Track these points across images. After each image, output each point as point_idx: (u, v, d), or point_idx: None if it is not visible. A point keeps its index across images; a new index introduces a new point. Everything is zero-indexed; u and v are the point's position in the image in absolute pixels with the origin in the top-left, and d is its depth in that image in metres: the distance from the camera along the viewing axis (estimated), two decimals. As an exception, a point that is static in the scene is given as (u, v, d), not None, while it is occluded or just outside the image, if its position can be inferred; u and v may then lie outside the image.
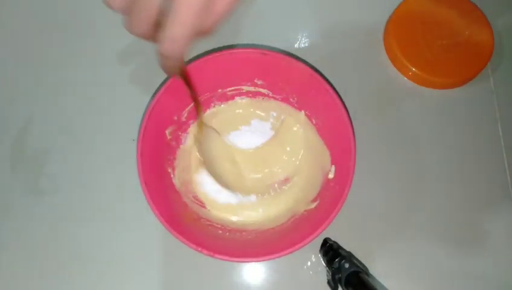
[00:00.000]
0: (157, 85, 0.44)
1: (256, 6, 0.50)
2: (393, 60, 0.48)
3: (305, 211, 0.40)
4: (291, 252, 0.34)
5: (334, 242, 0.39)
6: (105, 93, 0.47)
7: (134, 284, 0.41)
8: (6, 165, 0.45)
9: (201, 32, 0.27)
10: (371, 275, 0.38)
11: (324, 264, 0.39)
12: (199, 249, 0.34)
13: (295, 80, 0.41)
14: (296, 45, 0.49)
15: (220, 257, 0.34)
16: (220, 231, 0.40)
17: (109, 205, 0.43)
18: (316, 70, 0.39)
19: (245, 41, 0.48)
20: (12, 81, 0.48)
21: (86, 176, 0.44)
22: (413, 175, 0.44)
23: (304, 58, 0.48)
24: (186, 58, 0.30)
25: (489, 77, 0.48)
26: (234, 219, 0.42)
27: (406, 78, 0.48)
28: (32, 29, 0.50)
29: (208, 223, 0.40)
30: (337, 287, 0.36)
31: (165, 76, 0.45)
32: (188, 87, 0.35)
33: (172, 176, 0.41)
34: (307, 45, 0.49)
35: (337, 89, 0.47)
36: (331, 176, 0.39)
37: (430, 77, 0.46)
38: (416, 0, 0.49)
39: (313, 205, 0.39)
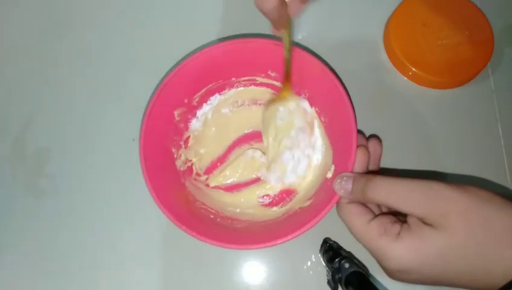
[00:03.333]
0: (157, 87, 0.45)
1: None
2: (393, 60, 0.48)
3: (299, 208, 0.40)
4: (275, 245, 0.33)
5: (334, 242, 0.39)
6: (105, 94, 0.47)
7: (135, 285, 0.41)
8: (6, 165, 0.45)
9: None
10: (371, 275, 0.38)
11: (324, 264, 0.39)
12: (183, 227, 0.34)
13: (307, 74, 0.40)
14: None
15: (203, 239, 0.34)
16: (212, 216, 0.40)
17: (109, 205, 0.43)
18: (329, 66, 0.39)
19: (245, 32, 0.48)
20: (12, 81, 0.48)
21: (86, 176, 0.44)
22: (413, 175, 0.44)
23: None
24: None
25: (489, 77, 0.48)
26: (231, 208, 0.42)
27: (406, 78, 0.48)
28: (32, 29, 0.50)
29: (203, 207, 0.40)
30: (337, 287, 0.36)
31: (166, 74, 0.45)
32: (287, 42, 0.36)
33: (175, 156, 0.42)
34: (305, 45, 0.49)
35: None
36: (329, 175, 0.39)
37: (430, 77, 0.46)
38: (416, 0, 0.49)
39: (307, 203, 0.39)
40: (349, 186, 0.33)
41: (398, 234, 0.30)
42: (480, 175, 0.44)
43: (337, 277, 0.35)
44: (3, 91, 0.48)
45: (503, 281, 0.27)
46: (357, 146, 0.36)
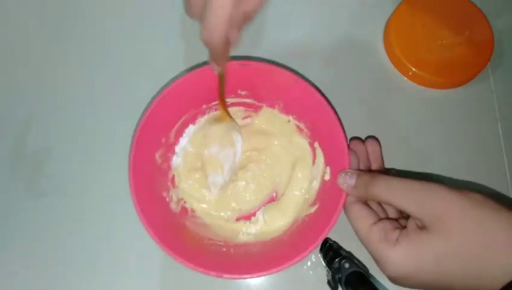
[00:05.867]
0: (162, 81, 0.45)
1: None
2: (393, 60, 0.48)
3: (306, 215, 0.40)
4: (300, 260, 0.34)
5: (334, 242, 0.39)
6: (105, 94, 0.47)
7: (135, 282, 0.41)
8: (6, 165, 0.45)
9: (239, 20, 0.30)
10: (371, 275, 0.38)
11: (324, 264, 0.39)
12: (206, 271, 0.33)
13: (278, 86, 0.40)
14: (295, 46, 0.49)
15: (229, 276, 0.33)
16: (224, 249, 0.39)
17: (110, 204, 0.43)
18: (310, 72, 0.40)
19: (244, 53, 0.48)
20: (12, 81, 0.48)
21: (86, 176, 0.44)
22: (413, 175, 0.44)
23: (303, 58, 0.48)
24: (231, 50, 0.33)
25: (489, 77, 0.48)
26: (237, 234, 0.41)
27: (406, 78, 0.48)
28: (33, 28, 0.50)
29: (211, 242, 0.39)
30: (337, 287, 0.36)
31: (164, 77, 0.45)
32: (220, 83, 0.37)
33: (167, 200, 0.41)
34: (306, 45, 0.49)
35: (337, 89, 0.47)
36: (327, 177, 0.39)
37: (430, 77, 0.46)
38: (416, 0, 0.49)
39: (313, 209, 0.39)
40: (352, 181, 0.34)
41: (397, 240, 0.31)
42: (480, 175, 0.44)
43: (337, 277, 0.35)
44: (3, 91, 0.48)
45: (496, 286, 0.28)
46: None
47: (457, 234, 0.28)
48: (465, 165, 0.45)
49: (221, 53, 0.32)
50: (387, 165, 0.43)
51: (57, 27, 0.50)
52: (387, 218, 0.35)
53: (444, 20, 0.48)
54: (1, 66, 0.49)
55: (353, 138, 0.42)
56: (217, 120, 0.43)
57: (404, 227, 0.32)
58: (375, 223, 0.33)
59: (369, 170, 0.40)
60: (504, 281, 0.27)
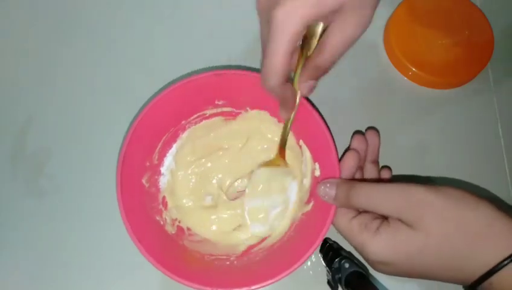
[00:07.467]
0: (163, 80, 0.44)
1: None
2: (393, 60, 0.48)
3: (302, 214, 0.39)
4: (305, 260, 0.34)
5: (334, 242, 0.39)
6: (106, 93, 0.47)
7: (137, 284, 0.41)
8: (6, 165, 0.45)
9: (311, 70, 0.32)
10: (371, 275, 0.38)
11: (324, 264, 0.39)
12: (214, 289, 0.33)
13: (255, 91, 0.39)
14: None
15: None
16: (228, 262, 0.38)
17: (110, 204, 0.43)
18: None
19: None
20: (12, 81, 0.48)
21: (86, 175, 0.44)
22: (413, 175, 0.44)
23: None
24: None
25: (489, 77, 0.48)
26: (238, 244, 0.41)
27: (406, 78, 0.48)
28: (33, 29, 0.50)
29: (213, 257, 0.39)
30: (337, 287, 0.36)
31: (166, 75, 0.45)
32: (284, 129, 0.38)
33: (162, 223, 0.40)
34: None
35: (337, 89, 0.47)
36: (317, 173, 0.39)
37: (430, 77, 0.46)
38: (416, 0, 0.49)
39: (309, 207, 0.39)
40: (332, 192, 0.35)
41: (377, 229, 0.32)
42: (480, 175, 0.44)
43: (337, 277, 0.35)
44: (4, 91, 0.48)
45: (475, 277, 0.30)
46: (348, 150, 0.38)
47: (438, 233, 0.30)
48: (465, 165, 0.45)
49: (283, 99, 0.34)
50: (386, 164, 0.43)
51: (57, 28, 0.50)
52: (367, 211, 0.36)
53: (444, 20, 0.48)
54: (1, 67, 0.49)
55: (356, 133, 0.42)
56: (266, 163, 0.42)
57: (386, 218, 0.33)
58: (354, 217, 0.34)
59: (361, 169, 0.40)
60: (482, 271, 0.29)
